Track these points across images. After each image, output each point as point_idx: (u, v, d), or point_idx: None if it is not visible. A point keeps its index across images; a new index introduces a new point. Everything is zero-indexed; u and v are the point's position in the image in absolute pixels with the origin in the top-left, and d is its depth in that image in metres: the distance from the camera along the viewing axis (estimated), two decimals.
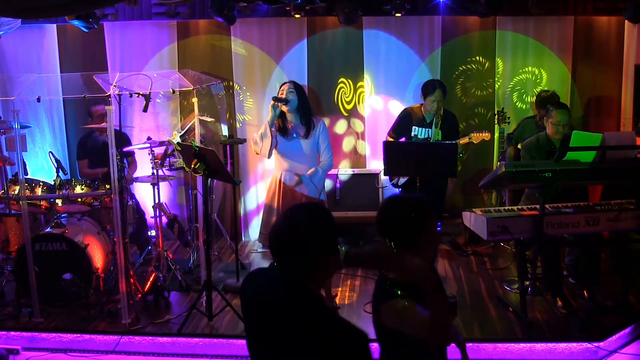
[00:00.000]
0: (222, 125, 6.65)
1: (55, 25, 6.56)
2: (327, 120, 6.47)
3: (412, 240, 2.37)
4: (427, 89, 5.41)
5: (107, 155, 4.64)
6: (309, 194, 4.79)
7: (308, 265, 2.10)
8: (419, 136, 5.41)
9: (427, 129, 5.36)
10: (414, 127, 5.42)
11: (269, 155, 4.85)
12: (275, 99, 4.76)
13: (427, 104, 5.34)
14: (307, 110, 4.82)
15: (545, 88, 6.23)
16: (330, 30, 6.54)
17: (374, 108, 6.60)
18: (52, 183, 5.20)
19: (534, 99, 6.02)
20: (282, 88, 4.81)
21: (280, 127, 4.82)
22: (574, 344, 4.33)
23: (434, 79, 5.54)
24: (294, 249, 2.10)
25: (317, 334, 2.04)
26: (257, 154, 4.94)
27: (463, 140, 5.55)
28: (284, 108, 4.78)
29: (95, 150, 5.95)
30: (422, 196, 2.57)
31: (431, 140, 5.41)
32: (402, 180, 5.42)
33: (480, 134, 5.53)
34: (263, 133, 4.80)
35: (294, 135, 4.77)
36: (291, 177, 4.82)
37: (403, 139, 5.54)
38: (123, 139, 5.61)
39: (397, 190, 5.70)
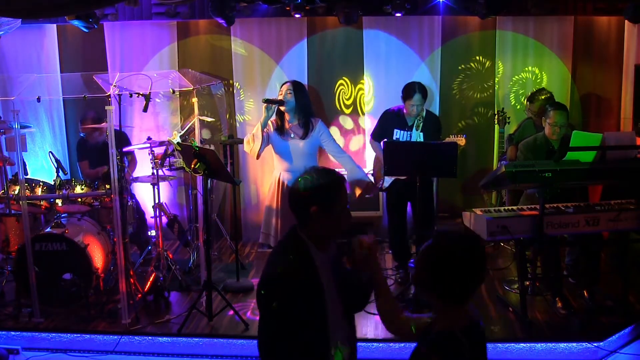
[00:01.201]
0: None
1: (55, 25, 6.56)
2: (326, 121, 6.49)
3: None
4: (407, 93, 5.19)
5: (107, 155, 4.64)
6: None
7: (302, 213, 2.36)
8: (400, 139, 5.31)
9: (408, 132, 5.29)
10: (395, 129, 5.32)
11: (258, 156, 4.82)
12: (266, 100, 4.73)
13: (406, 107, 5.25)
14: (306, 111, 4.78)
15: (545, 88, 6.21)
16: (330, 30, 6.54)
17: (374, 108, 6.60)
18: (52, 183, 5.20)
19: (527, 104, 5.98)
20: (282, 88, 4.80)
21: (278, 127, 4.79)
22: (574, 344, 4.34)
23: (414, 82, 5.27)
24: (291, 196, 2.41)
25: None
26: (248, 153, 4.92)
27: None
28: (281, 108, 4.76)
29: (96, 151, 5.94)
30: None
31: None
32: (387, 182, 5.36)
33: (454, 138, 5.44)
34: (255, 134, 4.78)
35: (292, 136, 4.76)
36: (289, 177, 4.80)
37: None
38: (122, 139, 5.61)
39: (383, 193, 5.61)
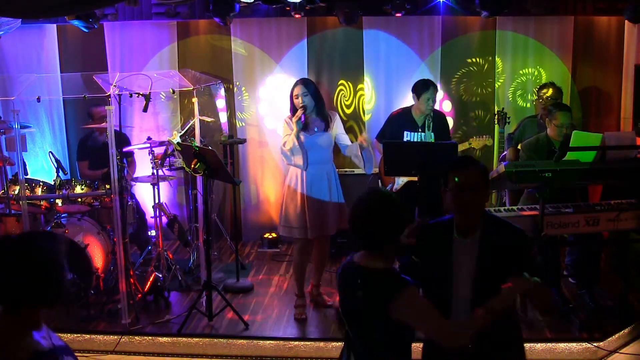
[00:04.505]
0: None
1: (55, 25, 6.55)
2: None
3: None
4: (421, 87, 5.19)
5: (107, 155, 4.64)
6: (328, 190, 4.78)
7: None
8: (412, 141, 5.28)
9: (420, 133, 5.26)
10: (405, 131, 5.28)
11: (306, 167, 4.75)
12: (298, 121, 4.63)
13: (421, 102, 5.18)
14: (323, 106, 4.80)
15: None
16: (330, 30, 6.53)
17: (374, 108, 6.61)
18: (52, 183, 5.20)
19: (535, 97, 5.99)
20: (294, 91, 4.72)
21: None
22: (574, 344, 4.34)
23: (423, 78, 5.33)
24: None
25: None
26: (293, 166, 4.80)
27: (462, 146, 5.45)
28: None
29: (96, 151, 5.94)
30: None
31: None
32: (398, 184, 5.34)
33: (481, 139, 5.42)
34: (292, 148, 4.69)
35: (315, 130, 4.74)
36: (314, 171, 4.73)
37: None
38: (122, 140, 5.61)
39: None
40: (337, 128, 4.83)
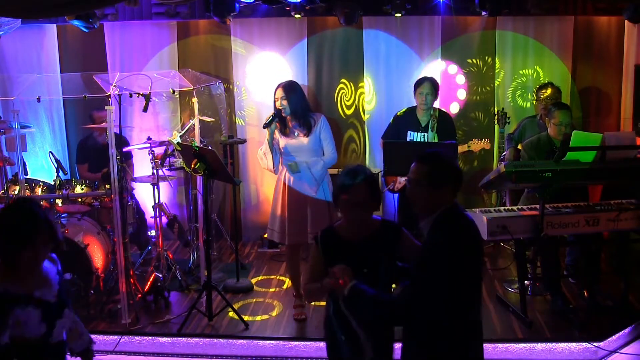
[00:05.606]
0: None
1: (55, 25, 6.56)
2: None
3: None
4: (416, 82, 5.29)
5: (107, 157, 4.64)
6: (309, 184, 4.74)
7: None
8: (411, 141, 5.29)
9: (423, 134, 5.26)
10: (409, 131, 5.29)
11: (276, 171, 4.79)
12: (266, 125, 4.68)
13: (417, 98, 5.22)
14: (303, 110, 4.74)
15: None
16: (330, 30, 6.54)
17: (374, 108, 6.61)
18: (52, 183, 5.20)
19: (534, 97, 5.99)
20: (275, 94, 4.74)
21: (281, 128, 4.76)
22: (574, 344, 4.34)
23: (424, 76, 5.43)
24: None
25: None
26: (265, 169, 4.89)
27: (461, 148, 5.45)
28: (282, 114, 4.71)
29: (95, 153, 5.94)
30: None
31: None
32: (400, 180, 5.34)
33: (480, 142, 5.43)
34: (265, 151, 4.76)
35: (296, 134, 4.74)
36: (295, 175, 4.75)
37: None
38: (122, 142, 5.60)
39: (395, 196, 5.57)
40: (322, 132, 4.78)
